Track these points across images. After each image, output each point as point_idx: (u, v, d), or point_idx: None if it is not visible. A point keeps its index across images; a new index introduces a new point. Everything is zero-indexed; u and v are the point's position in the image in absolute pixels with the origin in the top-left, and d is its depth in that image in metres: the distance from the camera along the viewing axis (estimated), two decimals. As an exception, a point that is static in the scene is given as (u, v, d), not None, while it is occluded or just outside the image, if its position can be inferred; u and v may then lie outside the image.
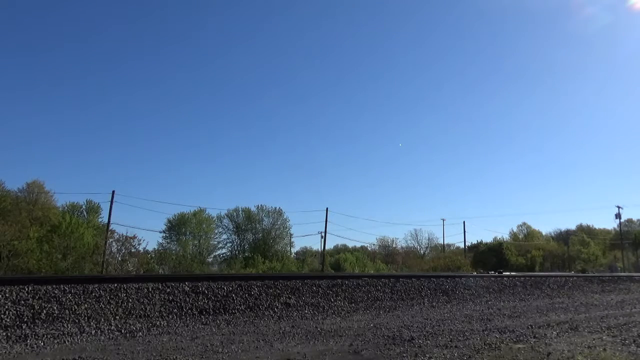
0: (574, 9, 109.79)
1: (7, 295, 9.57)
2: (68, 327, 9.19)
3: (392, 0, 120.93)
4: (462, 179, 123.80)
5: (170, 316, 10.75)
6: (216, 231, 60.00)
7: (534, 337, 8.75)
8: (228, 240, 60.40)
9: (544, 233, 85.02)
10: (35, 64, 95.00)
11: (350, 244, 73.40)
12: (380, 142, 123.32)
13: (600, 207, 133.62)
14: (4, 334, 8.48)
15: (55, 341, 8.18)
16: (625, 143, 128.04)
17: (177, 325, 10.15)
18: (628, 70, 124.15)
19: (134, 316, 10.35)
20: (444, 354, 7.01)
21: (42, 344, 7.95)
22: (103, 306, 10.30)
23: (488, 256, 63.63)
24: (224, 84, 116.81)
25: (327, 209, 49.03)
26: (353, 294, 14.44)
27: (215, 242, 60.04)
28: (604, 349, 7.57)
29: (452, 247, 71.84)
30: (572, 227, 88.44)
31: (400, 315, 12.49)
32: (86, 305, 10.12)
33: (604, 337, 8.79)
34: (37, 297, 9.86)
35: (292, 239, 62.59)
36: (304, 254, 67.77)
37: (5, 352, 7.27)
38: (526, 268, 58.72)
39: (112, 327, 9.44)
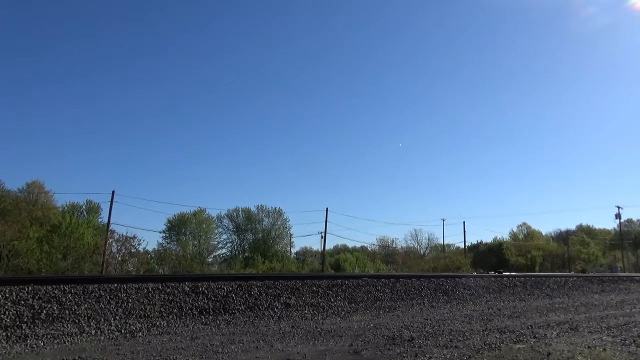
0: (574, 9, 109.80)
1: (7, 295, 9.57)
2: (68, 327, 9.20)
3: (392, 1, 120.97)
4: (462, 179, 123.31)
5: (170, 316, 10.75)
6: (216, 231, 59.95)
7: (534, 337, 8.75)
8: (228, 241, 60.40)
9: (544, 233, 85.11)
10: (35, 63, 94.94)
11: (350, 244, 73.18)
12: (380, 142, 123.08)
13: (600, 207, 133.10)
14: (4, 334, 8.49)
15: (55, 341, 8.18)
16: (625, 143, 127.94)
17: (177, 325, 10.16)
18: (628, 70, 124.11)
19: (134, 316, 10.35)
20: (444, 354, 7.01)
21: (42, 344, 7.96)
22: (103, 306, 10.30)
23: (488, 256, 63.57)
24: (223, 84, 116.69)
25: (327, 209, 48.93)
26: (353, 294, 14.45)
27: (215, 242, 60.00)
28: (604, 349, 7.57)
29: (452, 247, 71.81)
30: (572, 227, 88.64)
31: (400, 316, 12.49)
32: (86, 305, 10.12)
33: (604, 337, 8.79)
34: (37, 297, 9.86)
35: (292, 239, 62.56)
36: (304, 254, 67.67)
37: (5, 352, 7.28)
38: (526, 268, 58.64)
39: (112, 327, 9.44)
